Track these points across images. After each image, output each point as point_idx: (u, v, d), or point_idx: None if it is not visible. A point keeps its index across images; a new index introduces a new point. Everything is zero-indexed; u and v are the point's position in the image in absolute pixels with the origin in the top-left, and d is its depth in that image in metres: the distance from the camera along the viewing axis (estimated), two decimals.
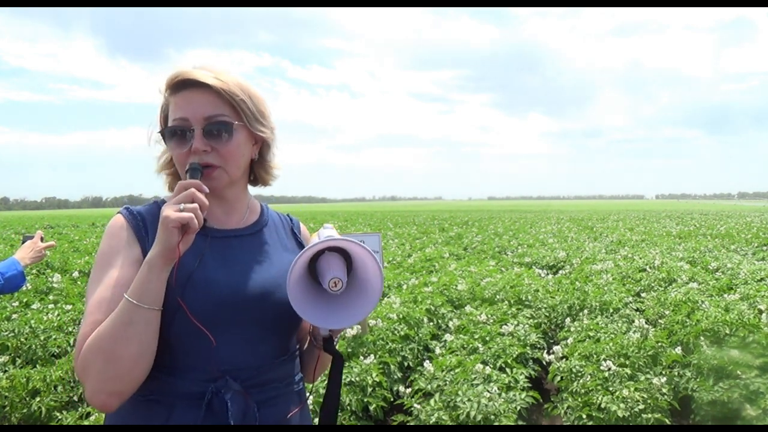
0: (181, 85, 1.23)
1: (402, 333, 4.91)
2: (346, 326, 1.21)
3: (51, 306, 6.06)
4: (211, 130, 1.21)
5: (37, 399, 3.77)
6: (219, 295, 1.20)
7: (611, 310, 5.88)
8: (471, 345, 4.64)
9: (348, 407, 3.65)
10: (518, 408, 3.50)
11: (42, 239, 2.77)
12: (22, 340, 4.84)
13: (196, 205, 1.10)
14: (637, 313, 5.95)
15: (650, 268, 9.16)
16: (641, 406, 3.44)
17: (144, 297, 1.09)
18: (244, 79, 1.29)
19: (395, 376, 4.31)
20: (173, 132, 1.23)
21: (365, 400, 3.77)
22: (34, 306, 5.93)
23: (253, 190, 1.43)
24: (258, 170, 1.37)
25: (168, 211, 1.07)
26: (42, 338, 4.89)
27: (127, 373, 1.10)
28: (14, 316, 5.34)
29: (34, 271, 9.93)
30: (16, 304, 6.32)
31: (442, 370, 4.04)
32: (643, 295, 7.26)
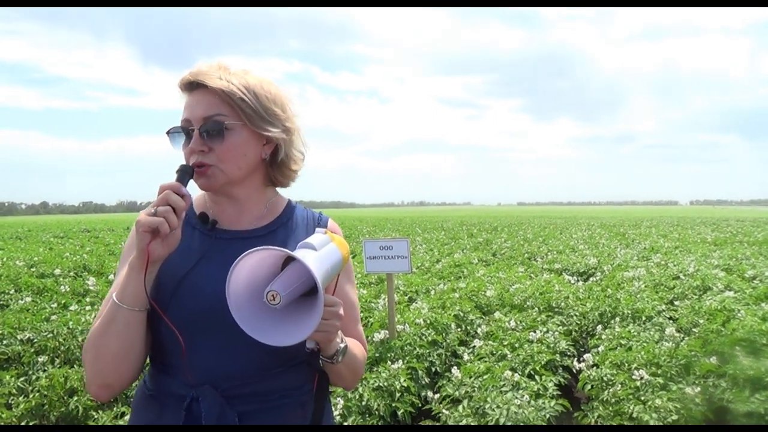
0: (188, 87, 1.26)
1: (430, 338, 4.91)
2: (283, 344, 1.07)
3: (88, 308, 6.22)
4: (207, 130, 1.22)
5: (75, 398, 3.88)
6: (203, 300, 1.19)
7: (643, 318, 5.77)
8: (500, 351, 4.61)
9: (376, 412, 3.67)
10: (548, 416, 3.47)
11: None
12: (60, 340, 4.98)
13: (167, 207, 1.10)
14: (670, 321, 5.82)
15: (684, 275, 8.95)
16: (674, 417, 3.37)
17: (124, 297, 1.14)
18: (259, 78, 1.27)
19: (423, 382, 4.30)
20: (176, 133, 1.26)
21: (393, 405, 3.78)
22: (72, 308, 6.10)
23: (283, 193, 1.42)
24: (271, 170, 1.33)
25: (141, 215, 1.10)
26: (80, 339, 5.03)
27: (110, 369, 1.16)
28: (53, 317, 5.50)
29: (71, 274, 10.22)
30: (55, 305, 6.52)
31: (471, 377, 4.02)
32: (676, 303, 7.09)
